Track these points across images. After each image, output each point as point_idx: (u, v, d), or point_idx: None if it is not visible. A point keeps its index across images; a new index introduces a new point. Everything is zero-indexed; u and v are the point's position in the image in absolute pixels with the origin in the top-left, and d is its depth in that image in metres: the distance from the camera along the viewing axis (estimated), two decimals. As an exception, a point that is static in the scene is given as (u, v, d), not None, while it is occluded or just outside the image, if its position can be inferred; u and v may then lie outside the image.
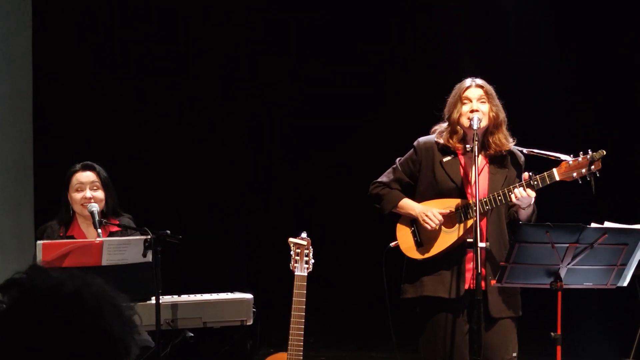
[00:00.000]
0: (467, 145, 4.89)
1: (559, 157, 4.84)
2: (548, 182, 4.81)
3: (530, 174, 4.84)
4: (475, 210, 4.70)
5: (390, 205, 5.04)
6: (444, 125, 5.03)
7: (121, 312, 1.45)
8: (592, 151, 4.78)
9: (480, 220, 4.80)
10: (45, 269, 1.46)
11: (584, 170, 4.77)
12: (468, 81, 5.00)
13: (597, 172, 4.77)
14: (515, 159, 5.03)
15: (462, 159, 4.99)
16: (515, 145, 5.02)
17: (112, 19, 7.58)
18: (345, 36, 7.98)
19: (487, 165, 4.97)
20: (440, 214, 4.91)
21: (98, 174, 5.07)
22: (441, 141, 4.99)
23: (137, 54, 7.62)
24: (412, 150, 5.08)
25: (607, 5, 7.52)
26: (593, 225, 4.56)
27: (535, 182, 4.80)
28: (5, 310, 1.40)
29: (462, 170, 4.96)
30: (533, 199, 4.83)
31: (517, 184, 4.84)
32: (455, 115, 4.93)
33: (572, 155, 4.82)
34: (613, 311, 7.18)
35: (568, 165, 4.80)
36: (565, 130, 7.30)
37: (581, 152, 4.80)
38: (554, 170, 4.81)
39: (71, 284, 1.43)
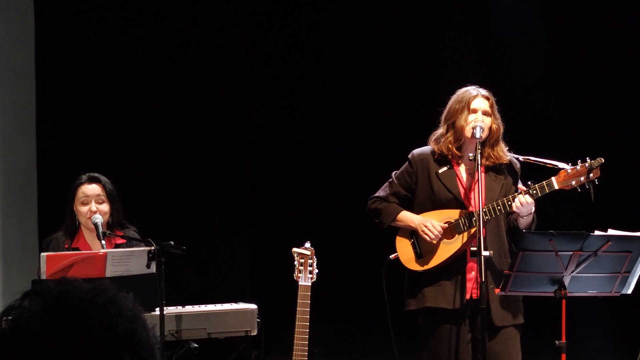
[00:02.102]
0: (470, 154, 4.89)
1: (556, 166, 4.85)
2: (547, 191, 4.81)
3: (529, 183, 4.85)
4: (479, 218, 4.70)
5: (389, 218, 5.04)
6: (440, 131, 5.02)
7: (148, 327, 1.47)
8: (590, 159, 4.78)
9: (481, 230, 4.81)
10: (77, 279, 1.48)
11: (582, 179, 4.78)
12: (473, 90, 4.98)
13: (596, 180, 4.78)
14: (511, 166, 5.03)
15: (457, 169, 5.00)
16: (510, 152, 5.03)
17: (115, 30, 7.60)
18: (350, 46, 8.00)
19: (484, 174, 4.97)
20: (440, 226, 4.91)
21: (104, 187, 5.07)
22: (437, 149, 4.98)
23: (142, 65, 7.63)
24: (407, 163, 5.09)
25: (605, 10, 7.52)
26: (596, 232, 4.57)
27: (535, 192, 4.80)
28: (36, 315, 1.41)
29: (458, 181, 4.97)
30: (533, 208, 4.83)
31: (516, 193, 4.84)
32: (461, 122, 4.92)
33: (570, 164, 4.83)
34: (617, 319, 7.17)
35: (567, 173, 4.81)
36: (565, 136, 7.30)
37: (579, 160, 4.80)
38: (553, 179, 4.82)
39: (107, 291, 1.45)
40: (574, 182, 4.79)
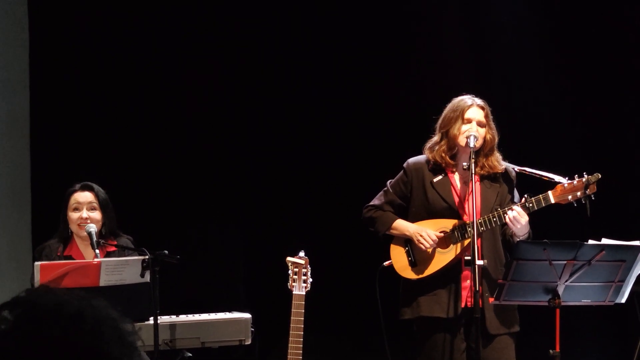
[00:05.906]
0: (464, 163, 4.90)
1: (553, 179, 4.85)
2: (543, 205, 4.81)
3: (526, 195, 4.85)
4: (473, 228, 4.71)
5: (385, 227, 5.05)
6: (435, 139, 5.03)
7: (122, 335, 1.46)
8: (588, 174, 4.78)
9: (475, 240, 4.82)
10: (52, 289, 1.47)
11: (579, 194, 4.78)
12: (468, 100, 4.99)
13: (592, 195, 4.78)
14: (507, 175, 5.05)
15: (452, 177, 5.00)
16: (505, 162, 5.04)
17: (110, 39, 7.59)
18: (343, 53, 8.00)
19: (479, 182, 4.98)
20: (436, 236, 4.91)
21: (96, 195, 5.08)
22: (432, 157, 4.99)
23: (136, 74, 7.62)
24: (402, 171, 5.10)
25: (606, 15, 7.50)
26: (590, 242, 4.58)
27: (531, 205, 4.80)
28: (8, 328, 1.41)
29: (453, 190, 4.99)
30: (528, 225, 4.83)
31: (511, 206, 4.84)
32: (454, 131, 4.93)
33: (567, 178, 4.82)
34: (611, 328, 7.17)
35: (563, 188, 4.80)
36: (559, 145, 7.29)
37: (576, 175, 4.80)
38: (550, 192, 4.82)
39: (74, 304, 1.44)
40: (570, 197, 4.79)
